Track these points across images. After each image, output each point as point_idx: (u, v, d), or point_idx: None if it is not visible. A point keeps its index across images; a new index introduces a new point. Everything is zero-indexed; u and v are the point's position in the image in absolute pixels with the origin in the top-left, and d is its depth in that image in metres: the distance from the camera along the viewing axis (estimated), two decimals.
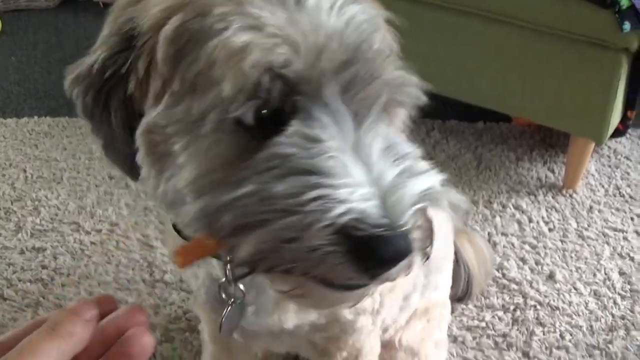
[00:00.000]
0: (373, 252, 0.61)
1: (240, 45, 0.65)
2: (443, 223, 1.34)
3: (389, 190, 0.63)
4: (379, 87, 0.69)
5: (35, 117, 2.79)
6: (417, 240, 0.64)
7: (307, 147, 0.64)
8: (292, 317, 1.00)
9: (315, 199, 0.61)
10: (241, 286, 0.83)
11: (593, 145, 2.31)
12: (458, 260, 1.66)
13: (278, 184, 0.63)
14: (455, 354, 1.75)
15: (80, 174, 2.42)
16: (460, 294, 1.74)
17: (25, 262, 2.02)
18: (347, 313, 1.05)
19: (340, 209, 0.60)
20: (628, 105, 2.27)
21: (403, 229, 0.62)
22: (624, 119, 2.33)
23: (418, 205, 0.64)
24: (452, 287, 1.61)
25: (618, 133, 2.43)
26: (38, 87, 3.06)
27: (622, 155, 2.59)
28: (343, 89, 0.67)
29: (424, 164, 0.68)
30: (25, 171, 2.43)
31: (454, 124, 2.74)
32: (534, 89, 2.24)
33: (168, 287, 1.94)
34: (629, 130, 2.53)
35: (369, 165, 0.64)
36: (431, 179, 0.67)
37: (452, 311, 1.69)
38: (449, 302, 1.57)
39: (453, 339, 1.78)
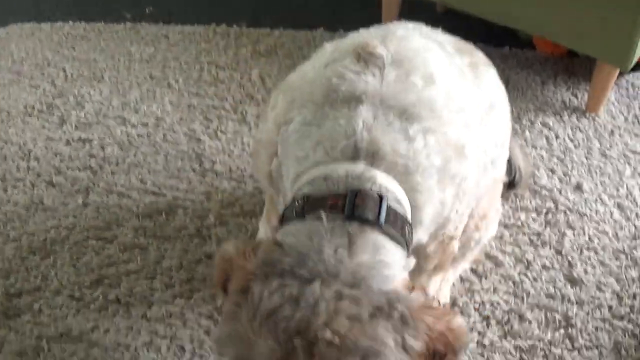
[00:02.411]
0: None
1: None
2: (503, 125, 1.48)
3: None
4: None
5: (70, 22, 2.79)
6: None
7: None
8: None
9: None
10: None
11: (617, 71, 2.37)
12: (509, 154, 1.75)
13: None
14: (494, 247, 1.84)
15: (121, 73, 2.45)
16: (510, 181, 1.84)
17: (72, 152, 2.08)
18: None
19: None
20: None
21: None
22: None
23: None
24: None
25: (639, 67, 2.51)
26: None
27: (639, 89, 2.67)
28: None
29: None
30: (64, 70, 2.47)
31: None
32: (561, 10, 2.28)
33: (218, 176, 2.00)
34: None
35: None
36: None
37: (501, 199, 1.77)
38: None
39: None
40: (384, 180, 1.09)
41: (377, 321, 0.93)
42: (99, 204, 1.88)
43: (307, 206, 1.06)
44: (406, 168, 1.12)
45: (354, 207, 1.03)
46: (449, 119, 1.19)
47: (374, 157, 1.11)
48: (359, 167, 1.10)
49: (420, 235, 1.22)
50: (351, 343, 0.90)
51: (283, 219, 1.10)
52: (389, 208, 1.06)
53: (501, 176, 1.60)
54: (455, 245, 1.41)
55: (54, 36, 2.68)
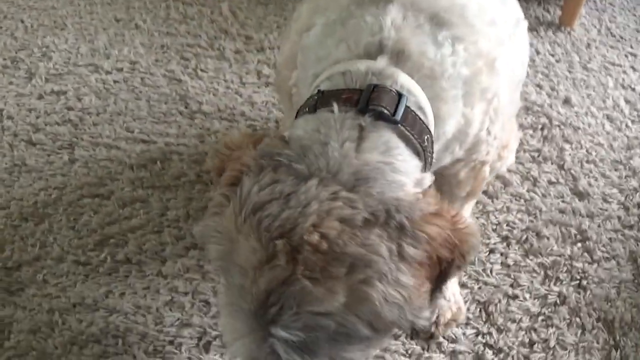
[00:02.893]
0: None
1: None
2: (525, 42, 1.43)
3: None
4: None
5: None
6: None
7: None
8: None
9: None
10: None
11: None
12: None
13: None
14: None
15: (84, 19, 2.32)
16: None
17: (47, 106, 1.95)
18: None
19: None
20: None
21: None
22: None
23: None
24: None
25: None
26: None
27: (606, 2, 2.68)
28: None
29: None
30: (22, 21, 2.31)
31: None
32: None
33: (208, 117, 1.91)
34: None
35: None
36: None
37: None
38: None
39: None
40: (406, 81, 1.01)
41: (371, 228, 0.86)
42: (87, 158, 1.77)
43: (320, 100, 0.99)
44: (432, 72, 1.04)
45: (368, 100, 0.96)
46: (481, 30, 1.12)
47: (398, 56, 1.02)
48: (381, 63, 1.01)
49: (443, 154, 1.16)
50: (339, 249, 0.84)
51: (296, 117, 1.03)
52: (407, 109, 0.98)
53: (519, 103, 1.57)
54: (487, 170, 1.35)
55: None
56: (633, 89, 2.21)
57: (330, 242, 0.84)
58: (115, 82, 2.02)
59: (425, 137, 1.01)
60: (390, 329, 0.93)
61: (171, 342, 1.38)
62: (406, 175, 0.93)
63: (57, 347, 1.36)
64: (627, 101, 2.15)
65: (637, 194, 1.82)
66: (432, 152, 1.05)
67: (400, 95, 0.98)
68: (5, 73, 2.07)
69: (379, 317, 0.86)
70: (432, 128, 1.04)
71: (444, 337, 1.44)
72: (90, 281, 1.49)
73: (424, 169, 1.01)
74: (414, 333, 1.44)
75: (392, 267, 0.86)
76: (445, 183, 1.32)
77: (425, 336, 1.43)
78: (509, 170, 1.82)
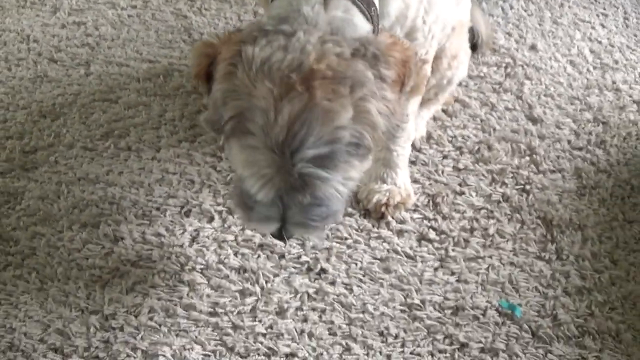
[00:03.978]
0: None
1: None
2: None
3: (285, 225, 1.23)
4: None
5: None
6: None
7: None
8: None
9: None
10: None
11: None
12: (471, 20, 1.94)
13: None
14: (461, 93, 2.04)
15: None
16: (473, 43, 2.03)
17: (69, 33, 2.23)
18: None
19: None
20: None
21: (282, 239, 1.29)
22: None
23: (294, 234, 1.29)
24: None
25: None
26: None
27: None
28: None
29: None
30: None
31: None
32: None
33: None
34: None
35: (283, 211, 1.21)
36: (308, 232, 1.33)
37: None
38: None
39: (458, 84, 2.05)
40: None
41: (357, 59, 1.12)
42: (100, 73, 2.04)
43: None
44: None
45: None
46: None
47: None
48: None
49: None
50: (342, 74, 1.09)
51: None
52: None
53: (467, 20, 1.79)
54: (428, 69, 1.59)
55: None
56: (600, 42, 2.38)
57: (334, 69, 1.09)
58: (129, 16, 2.30)
59: (372, 9, 1.27)
60: (378, 142, 1.19)
61: (158, 209, 1.64)
62: (363, 28, 1.22)
63: (60, 209, 1.62)
64: (592, 51, 2.33)
65: (590, 124, 2.00)
66: (378, 24, 1.30)
67: None
68: (33, 8, 2.36)
69: (375, 127, 1.14)
70: (377, 3, 1.30)
71: (392, 218, 1.66)
72: (94, 162, 1.75)
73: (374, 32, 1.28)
74: (367, 212, 1.67)
75: (378, 86, 1.14)
76: None
77: (377, 216, 1.67)
78: (469, 97, 2.03)
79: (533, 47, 2.30)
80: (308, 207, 1.19)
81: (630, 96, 2.12)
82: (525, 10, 2.51)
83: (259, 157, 1.12)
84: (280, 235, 1.26)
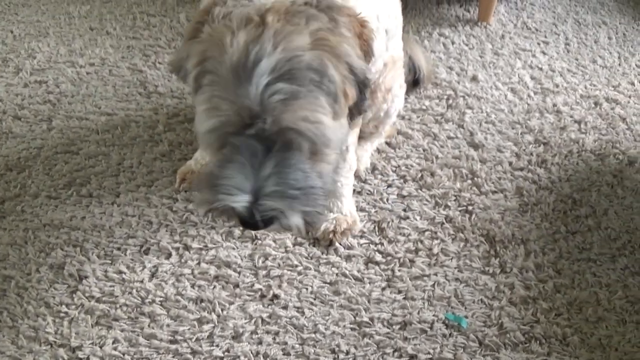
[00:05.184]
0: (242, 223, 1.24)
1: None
2: (395, 2, 1.79)
3: (257, 201, 1.19)
4: (279, 130, 1.16)
5: None
6: (272, 221, 1.23)
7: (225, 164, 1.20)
8: None
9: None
10: None
11: None
12: (411, 57, 2.07)
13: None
14: (404, 126, 2.16)
15: (64, 28, 2.73)
16: (415, 79, 2.16)
17: (31, 91, 2.34)
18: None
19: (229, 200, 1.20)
20: None
21: (254, 220, 1.21)
22: None
23: (270, 214, 1.22)
24: (408, 75, 2.04)
25: None
26: None
27: (527, 2, 3.04)
28: (258, 131, 1.15)
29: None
30: (12, 32, 2.72)
31: None
32: None
33: (162, 96, 2.29)
34: None
35: (254, 181, 1.19)
36: (286, 205, 1.22)
37: (407, 93, 2.09)
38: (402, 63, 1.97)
39: (401, 117, 2.18)
40: None
41: (309, 7, 1.27)
42: (62, 127, 2.14)
43: None
44: None
45: None
46: None
47: None
48: None
49: None
50: (295, 10, 1.23)
51: None
52: None
53: (399, 56, 1.91)
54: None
55: None
56: (540, 69, 2.53)
57: (287, 8, 1.22)
58: (87, 73, 2.42)
59: None
60: (347, 80, 1.25)
61: (119, 249, 1.73)
62: None
63: (28, 254, 1.71)
64: (532, 78, 2.48)
65: (531, 145, 2.12)
66: None
67: None
68: None
69: (339, 57, 1.22)
70: None
71: (340, 244, 1.77)
72: (58, 210, 1.85)
73: None
74: (315, 240, 1.78)
75: (333, 25, 1.25)
76: None
77: (325, 243, 1.77)
78: (412, 129, 2.16)
79: (474, 78, 2.43)
80: (282, 171, 1.19)
81: (572, 116, 2.25)
82: (466, 45, 2.64)
83: (216, 91, 1.17)
84: (251, 215, 1.22)
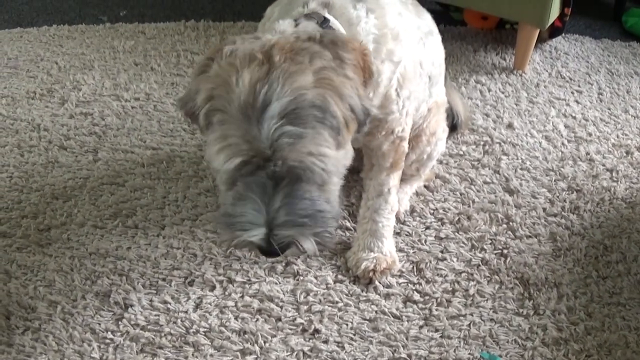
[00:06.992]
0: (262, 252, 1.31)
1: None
2: (438, 50, 1.84)
3: (272, 232, 1.26)
4: (287, 168, 1.21)
5: (54, 25, 3.17)
6: (288, 246, 1.30)
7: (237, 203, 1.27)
8: None
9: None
10: None
11: (538, 31, 2.77)
12: (449, 103, 2.11)
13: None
14: (442, 170, 2.20)
15: (108, 62, 2.80)
16: (452, 124, 2.20)
17: (77, 122, 2.40)
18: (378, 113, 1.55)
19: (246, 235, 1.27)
20: (565, 3, 2.76)
21: (273, 249, 1.28)
22: (562, 16, 2.81)
23: (286, 241, 1.28)
24: (446, 120, 2.07)
25: (557, 32, 2.93)
26: (46, 4, 3.44)
27: (561, 51, 3.07)
28: (268, 172, 1.22)
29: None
30: (57, 63, 2.80)
31: None
32: None
33: None
34: (566, 34, 3.06)
35: (266, 215, 1.25)
36: (297, 232, 1.29)
37: (448, 136, 2.12)
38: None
39: (439, 162, 2.22)
40: (331, 17, 1.46)
41: (312, 42, 1.30)
42: (107, 159, 2.20)
43: None
44: (350, 20, 1.48)
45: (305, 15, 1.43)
46: (389, 11, 1.55)
47: (325, 5, 1.49)
48: (313, 4, 1.48)
49: None
50: (299, 47, 1.26)
51: None
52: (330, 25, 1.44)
53: (442, 101, 1.97)
54: (405, 145, 1.75)
55: (41, 37, 3.03)
56: (574, 117, 2.56)
57: (292, 45, 1.25)
58: (132, 107, 2.48)
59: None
60: (349, 119, 1.29)
61: (164, 279, 1.77)
62: None
63: (74, 281, 1.75)
64: (566, 126, 2.50)
65: (564, 192, 2.15)
66: None
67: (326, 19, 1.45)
68: (42, 99, 2.55)
69: (341, 96, 1.26)
70: None
71: (379, 283, 1.80)
72: (104, 239, 1.89)
73: None
74: (356, 278, 1.81)
75: (337, 64, 1.29)
76: (373, 156, 1.74)
77: (365, 281, 1.80)
78: (450, 173, 2.19)
79: (510, 126, 2.47)
80: (290, 202, 1.26)
81: (604, 165, 2.28)
82: (502, 92, 2.69)
83: (228, 131, 1.20)
84: (269, 244, 1.29)
